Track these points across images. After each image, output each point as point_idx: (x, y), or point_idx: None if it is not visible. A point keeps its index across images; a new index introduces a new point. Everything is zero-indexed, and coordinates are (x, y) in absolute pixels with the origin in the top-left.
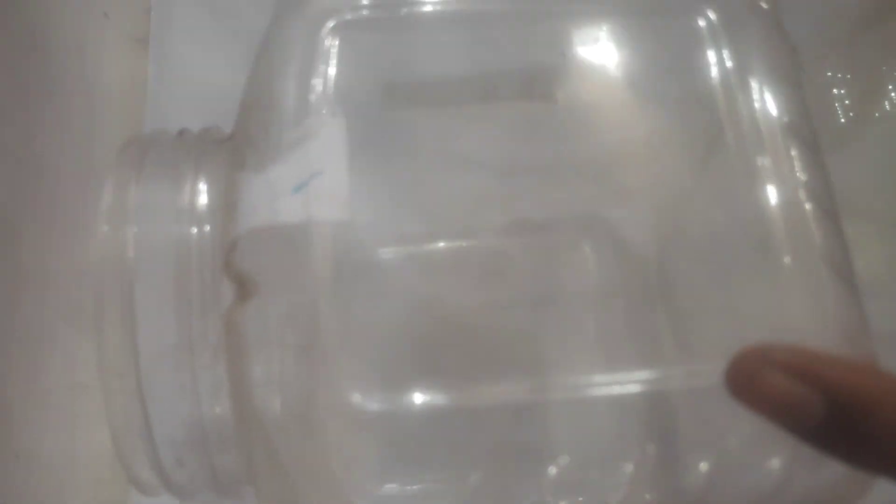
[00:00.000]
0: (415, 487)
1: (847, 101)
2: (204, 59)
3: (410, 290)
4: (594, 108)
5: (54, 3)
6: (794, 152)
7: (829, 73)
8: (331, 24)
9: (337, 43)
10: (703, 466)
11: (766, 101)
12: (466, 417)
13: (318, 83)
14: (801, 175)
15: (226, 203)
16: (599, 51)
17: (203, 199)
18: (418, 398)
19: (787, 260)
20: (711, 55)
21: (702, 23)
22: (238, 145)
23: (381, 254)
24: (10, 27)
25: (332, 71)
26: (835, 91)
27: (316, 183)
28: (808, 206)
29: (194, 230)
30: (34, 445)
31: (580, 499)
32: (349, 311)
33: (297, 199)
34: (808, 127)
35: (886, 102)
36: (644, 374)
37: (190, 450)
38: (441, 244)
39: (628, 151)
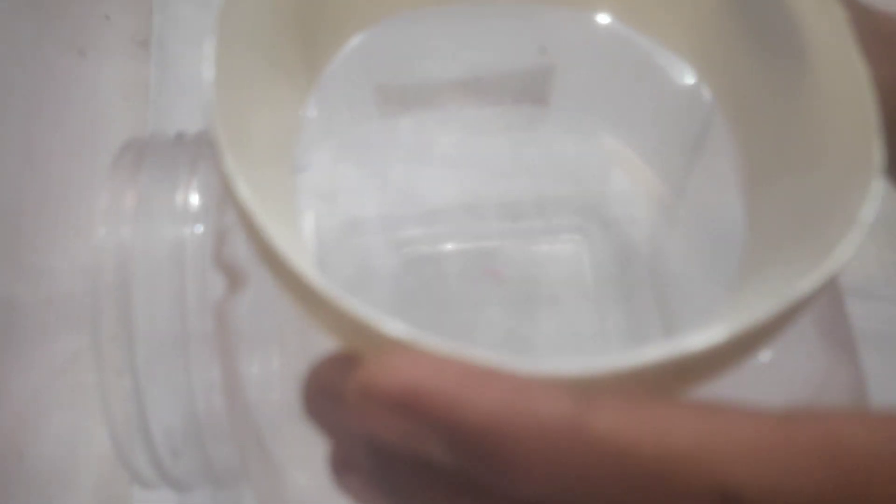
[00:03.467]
0: None
1: None
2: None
3: (406, 288)
4: (587, 108)
5: (56, 5)
6: None
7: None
8: None
9: None
10: None
11: None
12: None
13: None
14: None
15: (218, 200)
16: (586, 51)
17: (197, 199)
18: None
19: None
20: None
21: None
22: None
23: (376, 253)
24: (12, 29)
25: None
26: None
27: (302, 176)
28: None
29: (188, 230)
30: (37, 445)
31: None
32: None
33: None
34: None
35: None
36: None
37: (186, 443)
38: (436, 244)
39: (620, 150)
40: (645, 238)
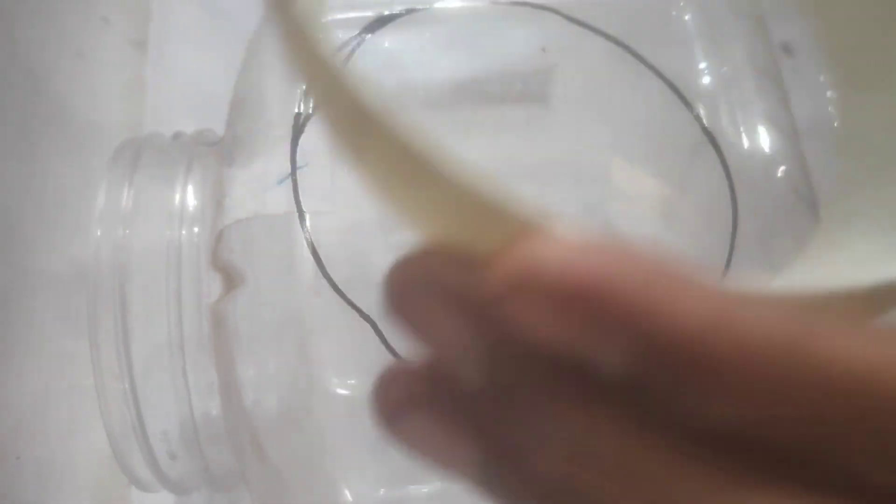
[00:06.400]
0: (409, 489)
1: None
2: (202, 63)
3: None
4: (586, 108)
5: (55, 8)
6: (773, 142)
7: (823, 77)
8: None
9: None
10: None
11: (746, 93)
12: None
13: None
14: (780, 164)
15: (214, 201)
16: (586, 50)
17: (193, 199)
18: None
19: (767, 251)
20: (692, 50)
21: (685, 17)
22: (228, 144)
23: (374, 254)
24: (11, 31)
25: None
26: (829, 94)
27: (301, 176)
28: (786, 196)
29: (185, 231)
30: (34, 447)
31: None
32: (338, 305)
33: (282, 191)
34: (787, 117)
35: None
36: None
37: (183, 445)
38: None
39: (620, 150)
40: (645, 237)
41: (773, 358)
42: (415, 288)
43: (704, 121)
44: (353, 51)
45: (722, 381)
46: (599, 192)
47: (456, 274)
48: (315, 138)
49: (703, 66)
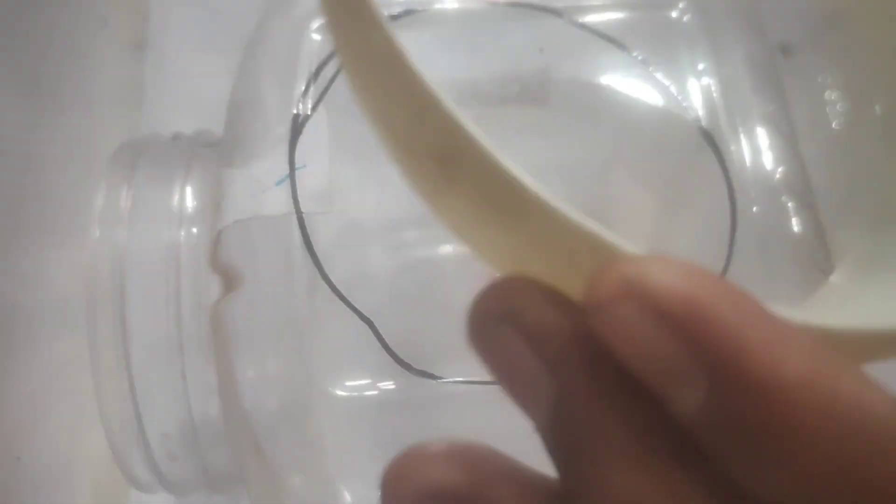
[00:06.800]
0: None
1: (838, 107)
2: (201, 64)
3: (403, 290)
4: (584, 109)
5: (55, 10)
6: (771, 143)
7: (820, 79)
8: (317, 24)
9: (322, 43)
10: None
11: (744, 94)
12: (462, 408)
13: (302, 82)
14: (778, 165)
15: (213, 201)
16: (585, 51)
17: (192, 200)
18: (409, 392)
19: (766, 253)
20: (691, 51)
21: (683, 18)
22: (226, 145)
23: (373, 255)
24: (11, 33)
25: (317, 71)
26: (826, 96)
27: (299, 177)
28: (784, 198)
29: (183, 232)
30: (35, 448)
31: None
32: (336, 306)
33: (280, 192)
34: (785, 118)
35: (877, 108)
36: None
37: (182, 446)
38: (434, 246)
39: (620, 150)
40: (644, 239)
41: (875, 436)
42: (497, 320)
43: (703, 122)
44: None
45: (800, 447)
46: (598, 193)
47: (541, 307)
48: (313, 139)
49: (701, 66)
